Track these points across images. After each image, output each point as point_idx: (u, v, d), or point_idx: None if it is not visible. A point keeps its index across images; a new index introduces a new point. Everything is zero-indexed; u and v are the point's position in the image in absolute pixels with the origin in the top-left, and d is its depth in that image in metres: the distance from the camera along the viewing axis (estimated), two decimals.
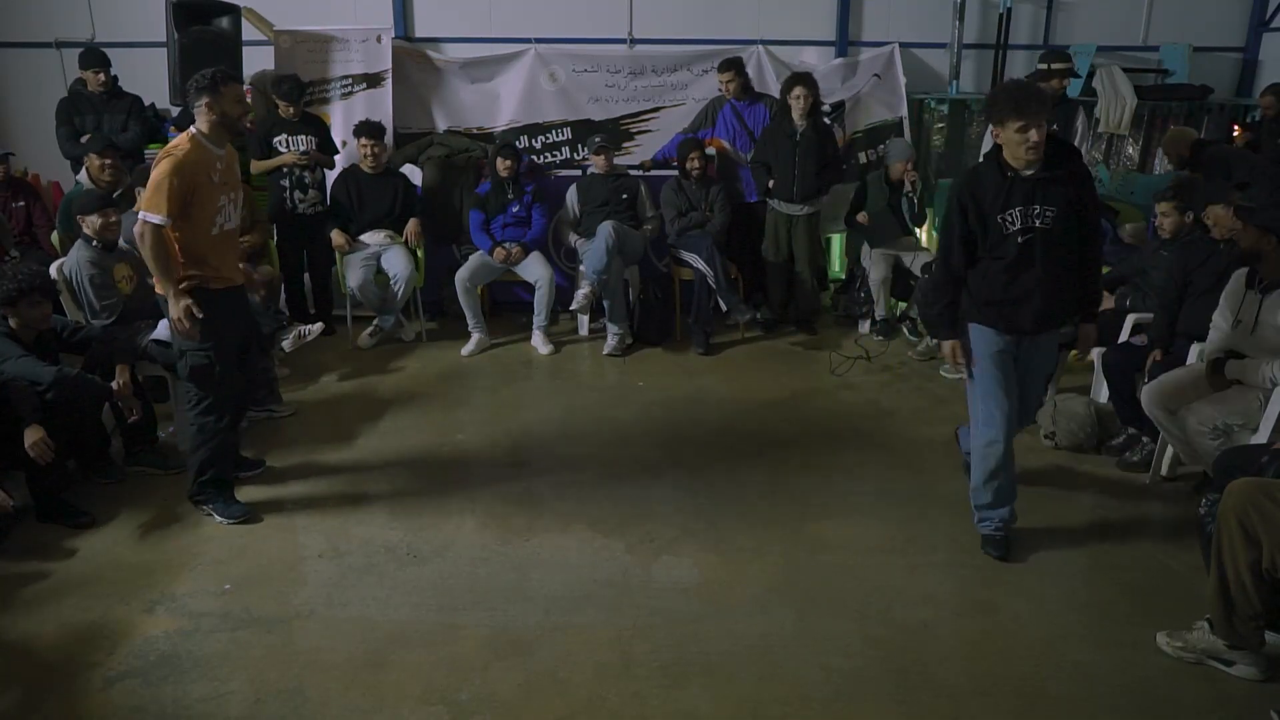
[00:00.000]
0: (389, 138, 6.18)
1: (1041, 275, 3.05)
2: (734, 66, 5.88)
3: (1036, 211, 2.99)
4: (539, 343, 5.57)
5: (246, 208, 5.20)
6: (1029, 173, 2.98)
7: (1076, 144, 5.32)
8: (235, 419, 3.67)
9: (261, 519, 3.58)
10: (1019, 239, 3.02)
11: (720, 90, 5.97)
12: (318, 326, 4.84)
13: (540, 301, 5.52)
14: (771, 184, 5.56)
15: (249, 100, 5.86)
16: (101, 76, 5.53)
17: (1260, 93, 5.94)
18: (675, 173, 5.76)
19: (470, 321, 5.57)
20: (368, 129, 5.54)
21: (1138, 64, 6.81)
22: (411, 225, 5.56)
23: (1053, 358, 3.27)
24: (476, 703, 2.57)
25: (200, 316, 3.29)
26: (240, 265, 3.72)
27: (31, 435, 3.26)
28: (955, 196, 3.12)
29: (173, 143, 3.33)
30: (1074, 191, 3.02)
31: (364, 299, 5.48)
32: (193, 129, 3.34)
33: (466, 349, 5.52)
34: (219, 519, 3.54)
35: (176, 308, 3.27)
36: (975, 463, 3.29)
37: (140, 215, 3.23)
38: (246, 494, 3.75)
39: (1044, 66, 5.23)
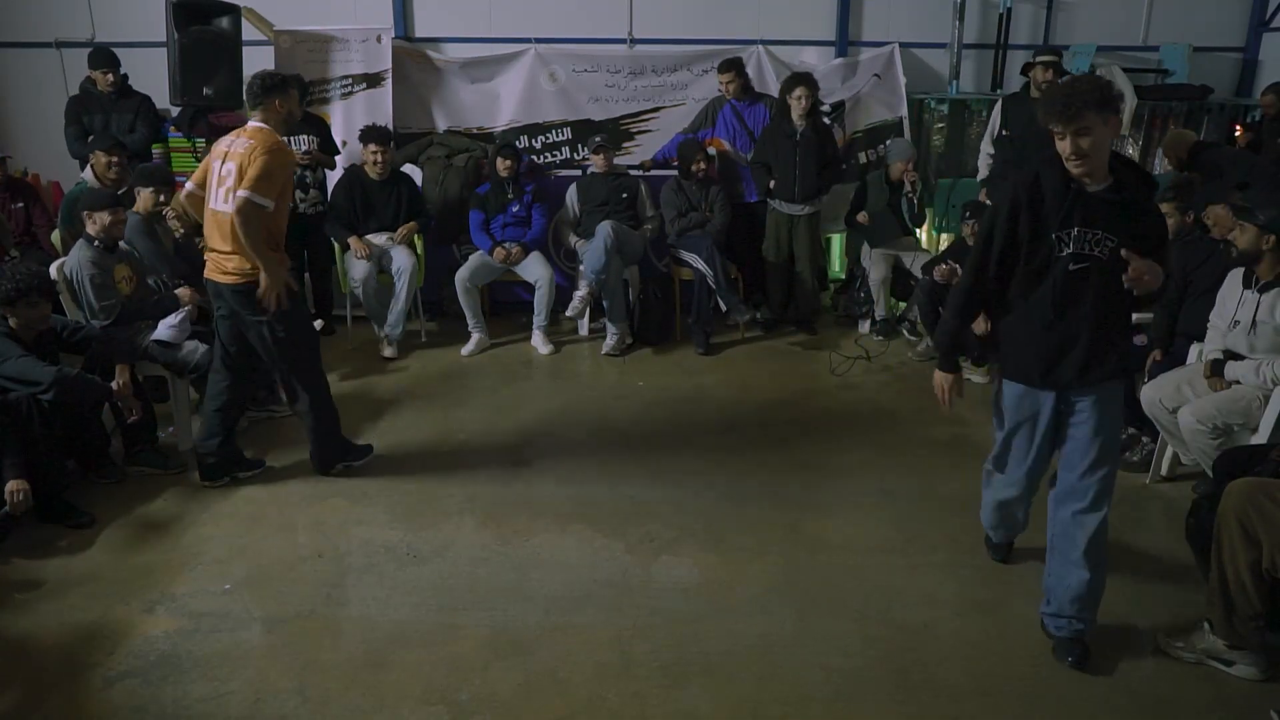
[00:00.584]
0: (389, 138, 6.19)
1: (1091, 315, 2.55)
2: (734, 67, 5.88)
3: (1096, 238, 2.49)
4: (539, 343, 5.57)
5: None
6: (1093, 189, 2.50)
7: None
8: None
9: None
10: (1070, 265, 2.52)
11: (720, 90, 5.98)
12: (317, 324, 4.83)
13: (540, 301, 5.52)
14: (772, 184, 5.56)
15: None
16: (110, 76, 5.54)
17: (1260, 92, 5.94)
18: (675, 173, 5.77)
19: (470, 321, 5.57)
20: (375, 134, 5.49)
21: (1138, 64, 6.80)
22: (406, 225, 5.52)
23: (1114, 420, 2.70)
24: (476, 703, 2.57)
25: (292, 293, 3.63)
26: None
27: (13, 485, 3.28)
28: (1011, 197, 2.59)
29: (270, 136, 3.50)
30: (1141, 226, 2.53)
31: (363, 299, 5.47)
32: (266, 126, 3.54)
33: (466, 349, 5.52)
34: (357, 465, 3.97)
35: (277, 279, 3.52)
36: (987, 503, 3.07)
37: (250, 197, 3.39)
38: (247, 493, 3.77)
39: (1031, 62, 5.30)
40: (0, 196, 5.26)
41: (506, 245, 5.52)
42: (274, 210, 3.51)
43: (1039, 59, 5.40)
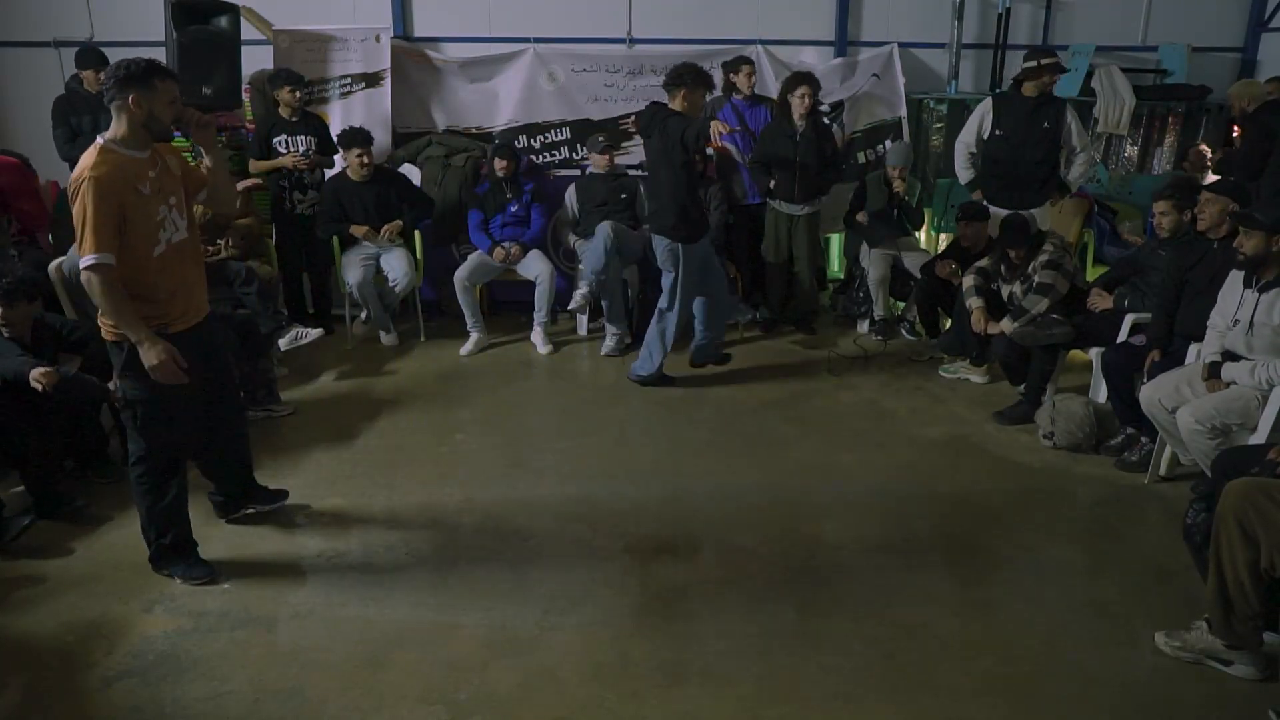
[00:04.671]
0: (388, 138, 6.18)
1: None
2: (749, 62, 5.85)
3: None
4: (539, 340, 5.57)
5: (243, 199, 5.18)
6: None
7: (1068, 142, 5.17)
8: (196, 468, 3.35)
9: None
10: None
11: (735, 84, 5.89)
12: (316, 332, 4.83)
13: (541, 297, 5.51)
14: (772, 184, 5.55)
15: (247, 100, 5.92)
16: (102, 76, 5.53)
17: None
18: None
19: (469, 321, 5.56)
20: (354, 138, 5.38)
21: (1136, 64, 6.80)
22: (393, 224, 5.42)
23: None
24: (475, 702, 2.57)
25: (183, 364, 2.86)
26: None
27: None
28: None
29: (80, 166, 2.71)
30: None
31: (362, 299, 5.47)
32: (100, 139, 2.76)
33: (465, 349, 5.51)
34: (179, 581, 3.11)
35: (153, 353, 2.80)
36: None
37: (81, 262, 2.70)
38: None
39: (1033, 64, 5.20)
40: None
41: (505, 245, 5.52)
42: (125, 252, 2.75)
43: (1043, 61, 5.08)
